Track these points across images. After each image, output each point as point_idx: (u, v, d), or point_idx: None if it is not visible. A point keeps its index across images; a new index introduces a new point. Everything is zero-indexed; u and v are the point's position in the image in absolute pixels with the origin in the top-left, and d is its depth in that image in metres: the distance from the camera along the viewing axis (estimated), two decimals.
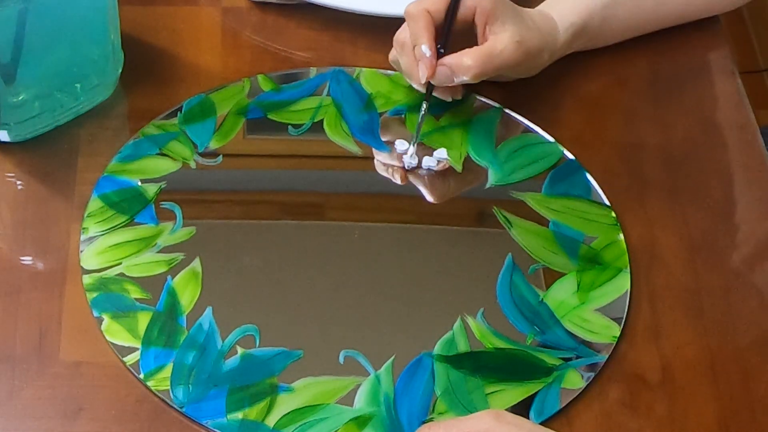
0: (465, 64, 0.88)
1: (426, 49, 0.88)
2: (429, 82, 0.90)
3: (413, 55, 0.89)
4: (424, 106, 0.91)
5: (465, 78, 0.89)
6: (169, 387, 0.77)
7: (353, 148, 0.92)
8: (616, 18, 0.97)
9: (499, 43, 0.89)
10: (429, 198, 0.90)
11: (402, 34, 0.91)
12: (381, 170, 0.91)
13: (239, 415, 0.76)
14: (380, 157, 0.92)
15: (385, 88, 0.96)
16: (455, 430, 0.71)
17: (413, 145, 0.91)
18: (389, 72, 0.97)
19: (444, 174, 0.91)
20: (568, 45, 0.96)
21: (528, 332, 0.82)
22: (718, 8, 1.02)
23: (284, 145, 0.93)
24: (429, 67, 0.88)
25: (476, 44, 0.91)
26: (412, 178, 0.91)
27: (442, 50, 0.89)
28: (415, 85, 0.92)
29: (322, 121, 0.94)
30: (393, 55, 0.93)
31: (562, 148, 0.93)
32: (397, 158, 0.91)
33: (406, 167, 0.91)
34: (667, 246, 0.88)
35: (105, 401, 0.76)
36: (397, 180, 0.90)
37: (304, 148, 0.93)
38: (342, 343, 0.80)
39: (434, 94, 0.92)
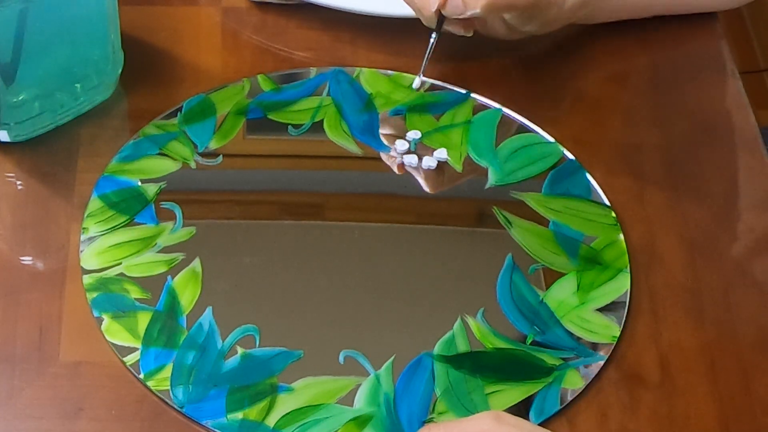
0: None
1: None
2: (440, 14, 0.90)
3: None
4: (434, 36, 0.92)
5: (476, 10, 0.88)
6: (169, 387, 0.77)
7: (353, 149, 0.92)
8: None
9: None
10: (425, 188, 0.90)
11: None
12: (386, 159, 0.92)
13: (239, 415, 0.76)
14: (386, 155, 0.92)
15: (385, 88, 0.96)
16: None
17: (419, 76, 0.93)
18: (389, 72, 0.97)
19: (440, 167, 0.91)
20: (574, 10, 0.94)
21: (528, 332, 0.81)
22: (723, 2, 1.02)
23: (284, 146, 0.93)
24: None
25: None
26: (408, 169, 0.91)
27: None
28: (426, 21, 0.92)
29: (322, 121, 0.94)
30: None
31: (562, 148, 0.93)
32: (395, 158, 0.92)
33: (405, 165, 0.91)
34: (667, 246, 0.88)
35: (105, 401, 0.76)
36: (394, 169, 0.91)
37: (304, 148, 0.93)
38: (342, 343, 0.80)
39: (445, 26, 0.92)
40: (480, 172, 0.91)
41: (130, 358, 0.78)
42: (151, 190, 0.88)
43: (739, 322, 0.84)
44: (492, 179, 0.91)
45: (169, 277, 0.82)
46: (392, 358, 0.79)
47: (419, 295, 0.84)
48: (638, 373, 0.80)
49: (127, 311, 0.80)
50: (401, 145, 0.92)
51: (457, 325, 0.81)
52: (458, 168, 0.92)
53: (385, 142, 0.93)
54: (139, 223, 0.86)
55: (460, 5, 0.89)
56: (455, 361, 0.80)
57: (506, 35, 0.95)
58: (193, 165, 0.90)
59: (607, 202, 0.90)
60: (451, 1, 0.89)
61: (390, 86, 0.96)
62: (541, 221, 0.88)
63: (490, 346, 0.81)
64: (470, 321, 0.82)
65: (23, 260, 0.84)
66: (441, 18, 0.91)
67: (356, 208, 0.90)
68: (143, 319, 0.80)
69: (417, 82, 0.93)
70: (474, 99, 0.96)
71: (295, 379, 0.78)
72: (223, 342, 0.79)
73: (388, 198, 0.91)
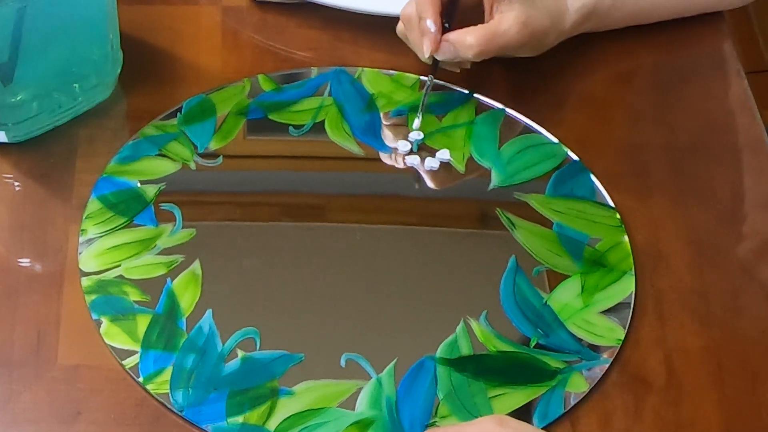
0: (467, 42, 0.88)
1: (431, 24, 0.89)
2: (434, 56, 0.90)
3: (419, 29, 0.89)
4: (430, 78, 0.92)
5: (468, 56, 0.89)
6: (168, 390, 0.76)
7: (355, 149, 0.92)
8: (626, 1, 0.97)
9: (504, 23, 0.89)
10: (430, 184, 0.90)
11: (408, 8, 0.91)
12: (386, 160, 0.91)
13: (240, 419, 0.75)
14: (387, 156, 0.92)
15: (387, 88, 0.96)
16: None
17: (418, 118, 0.92)
18: (391, 72, 0.97)
19: (446, 166, 0.91)
20: (577, 26, 0.96)
21: (532, 335, 0.81)
22: (726, 1, 1.02)
23: (285, 146, 0.93)
24: (433, 42, 0.89)
25: (484, 21, 0.91)
26: (415, 166, 0.91)
27: (447, 25, 0.90)
28: (421, 58, 0.92)
29: (323, 121, 0.93)
30: (400, 28, 0.93)
31: (566, 149, 0.93)
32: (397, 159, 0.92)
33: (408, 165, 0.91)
34: (672, 248, 0.87)
35: (104, 405, 0.76)
36: (401, 164, 0.91)
37: (305, 148, 0.93)
38: (343, 346, 0.79)
39: (442, 65, 0.92)
40: (483, 173, 0.91)
41: (129, 362, 0.78)
42: (151, 191, 0.87)
43: (745, 324, 0.83)
44: (495, 180, 0.90)
45: (168, 280, 0.82)
46: (394, 361, 0.79)
47: (421, 298, 0.83)
48: (643, 376, 0.80)
49: (126, 314, 0.80)
50: (404, 146, 0.92)
51: (459, 327, 0.81)
52: (461, 169, 0.91)
53: (387, 143, 0.92)
54: (138, 225, 0.85)
55: (452, 50, 0.89)
56: (458, 364, 0.79)
57: (503, 56, 0.95)
58: (192, 166, 0.89)
59: (612, 204, 0.89)
60: (444, 47, 0.89)
61: (392, 86, 0.96)
62: (545, 223, 0.88)
63: (493, 349, 0.80)
64: (473, 324, 0.81)
65: (21, 262, 0.84)
66: (436, 60, 0.91)
67: (358, 210, 0.90)
68: (142, 322, 0.79)
69: (416, 123, 0.92)
70: (477, 99, 0.96)
71: (296, 383, 0.77)
72: (223, 345, 0.79)
73: (390, 199, 0.91)
